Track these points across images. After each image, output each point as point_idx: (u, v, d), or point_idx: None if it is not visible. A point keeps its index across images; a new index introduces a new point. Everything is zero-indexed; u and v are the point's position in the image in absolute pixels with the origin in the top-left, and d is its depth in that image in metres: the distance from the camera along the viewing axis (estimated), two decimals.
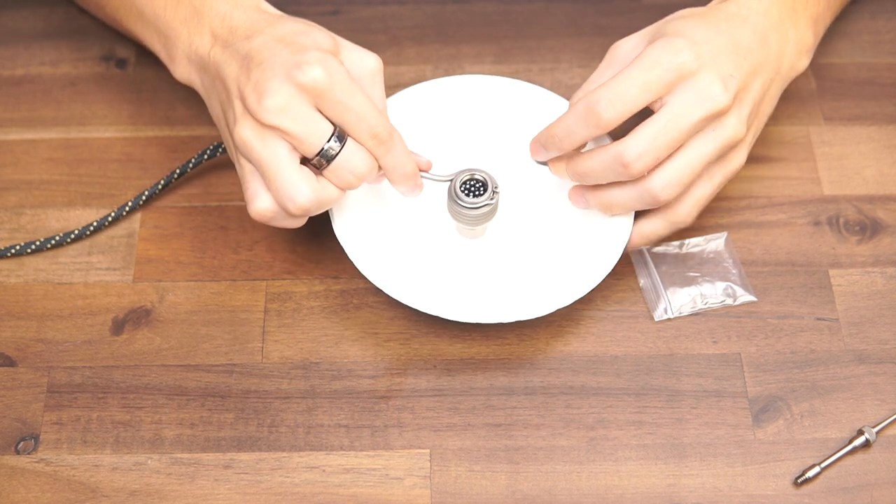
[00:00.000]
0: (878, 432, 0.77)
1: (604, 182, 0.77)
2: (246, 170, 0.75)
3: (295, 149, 0.73)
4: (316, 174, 0.74)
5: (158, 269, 0.84)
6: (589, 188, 0.79)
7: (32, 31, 0.95)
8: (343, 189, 0.75)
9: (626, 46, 0.80)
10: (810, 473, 0.76)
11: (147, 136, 0.89)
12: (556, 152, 0.78)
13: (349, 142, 0.74)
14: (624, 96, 0.74)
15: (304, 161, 0.74)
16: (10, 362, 0.80)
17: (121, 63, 0.93)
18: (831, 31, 0.95)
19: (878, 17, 0.96)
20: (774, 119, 0.90)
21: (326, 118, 0.73)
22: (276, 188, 0.73)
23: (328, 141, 0.73)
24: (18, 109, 0.91)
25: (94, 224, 0.84)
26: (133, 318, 0.82)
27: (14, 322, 0.82)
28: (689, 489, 0.76)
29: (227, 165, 0.88)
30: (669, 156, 0.76)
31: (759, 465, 0.76)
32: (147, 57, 0.93)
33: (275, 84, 0.72)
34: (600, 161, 0.76)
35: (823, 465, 0.76)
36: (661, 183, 0.76)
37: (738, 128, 0.76)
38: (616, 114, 0.74)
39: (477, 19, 0.96)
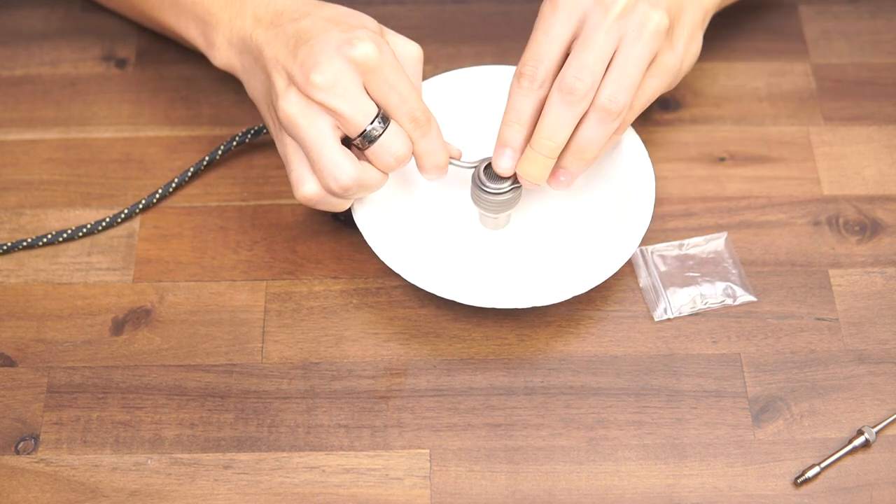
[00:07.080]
0: (877, 432, 0.77)
1: (569, 130, 0.76)
2: (289, 148, 0.76)
3: (338, 127, 0.74)
4: (357, 156, 0.75)
5: (158, 270, 0.84)
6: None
7: (32, 31, 0.94)
8: (384, 172, 0.76)
9: None
10: (810, 473, 0.76)
11: (147, 136, 0.89)
12: (519, 136, 0.78)
13: (392, 124, 0.75)
14: (539, 53, 0.76)
15: (346, 142, 0.75)
16: (10, 362, 0.80)
17: (121, 63, 0.93)
18: (831, 31, 0.95)
19: (878, 17, 0.96)
20: (774, 119, 0.90)
21: (370, 98, 0.74)
22: (320, 166, 0.74)
23: (372, 122, 0.74)
24: (18, 109, 0.91)
25: (125, 212, 0.85)
26: (133, 319, 0.82)
27: (14, 322, 0.82)
28: (688, 489, 0.76)
29: (227, 166, 0.88)
30: (608, 69, 0.76)
31: (758, 465, 0.76)
32: (147, 57, 0.93)
33: (325, 58, 0.73)
34: (552, 107, 0.75)
35: (823, 465, 0.76)
36: (607, 96, 0.75)
37: (653, 15, 0.76)
38: (540, 70, 0.76)
39: (477, 19, 0.96)
